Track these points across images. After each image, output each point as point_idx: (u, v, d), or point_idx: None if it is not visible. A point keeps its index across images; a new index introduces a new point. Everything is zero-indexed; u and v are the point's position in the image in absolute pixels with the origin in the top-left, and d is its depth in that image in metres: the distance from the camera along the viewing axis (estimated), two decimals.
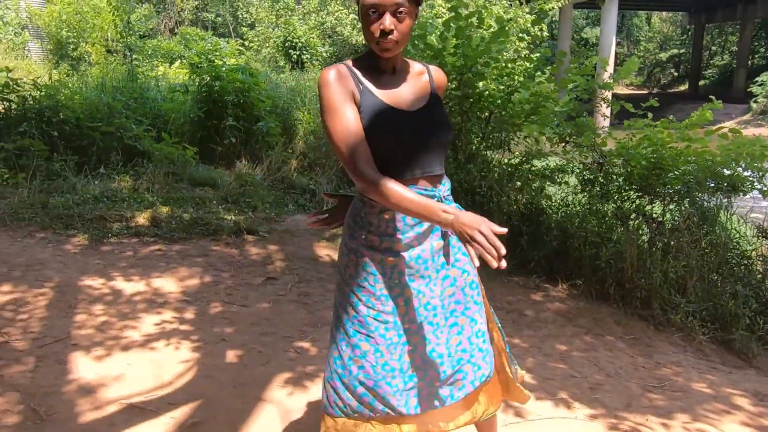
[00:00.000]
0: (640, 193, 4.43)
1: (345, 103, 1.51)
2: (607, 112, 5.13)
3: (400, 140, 1.54)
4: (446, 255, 1.66)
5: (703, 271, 3.97)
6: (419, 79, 1.65)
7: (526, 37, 8.00)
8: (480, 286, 1.75)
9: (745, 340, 3.71)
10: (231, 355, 2.92)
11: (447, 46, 4.61)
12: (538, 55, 5.37)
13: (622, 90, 29.91)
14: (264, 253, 4.44)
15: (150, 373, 2.69)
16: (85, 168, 5.68)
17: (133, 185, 5.54)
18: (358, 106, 1.53)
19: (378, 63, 1.58)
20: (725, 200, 4.51)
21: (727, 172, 4.32)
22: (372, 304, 1.59)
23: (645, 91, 30.16)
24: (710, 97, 4.65)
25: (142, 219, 4.77)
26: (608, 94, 4.99)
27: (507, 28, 4.68)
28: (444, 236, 1.65)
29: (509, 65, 4.85)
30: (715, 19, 26.84)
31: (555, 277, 4.30)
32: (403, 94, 1.60)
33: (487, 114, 4.93)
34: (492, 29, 4.75)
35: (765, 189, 4.24)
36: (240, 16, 22.93)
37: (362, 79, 1.56)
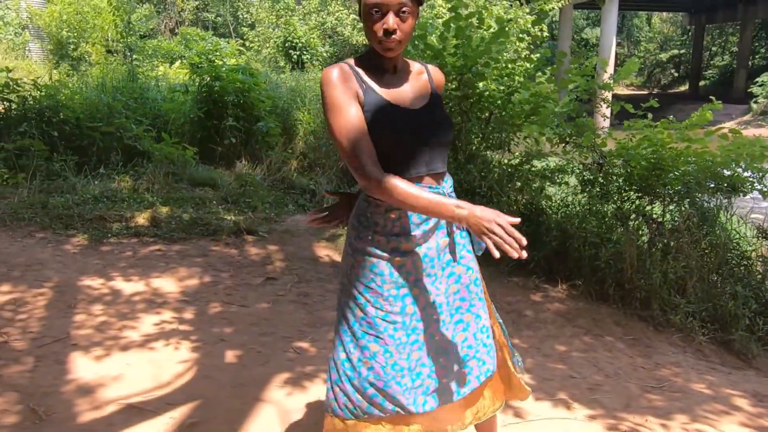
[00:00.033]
0: (639, 194, 4.43)
1: (349, 102, 1.51)
2: (607, 112, 5.13)
3: (405, 138, 1.55)
4: (452, 252, 1.67)
5: (702, 272, 3.97)
6: (419, 78, 1.66)
7: (526, 38, 8.00)
8: (482, 282, 1.76)
9: (745, 340, 3.71)
10: (230, 356, 2.92)
11: (447, 46, 4.61)
12: (538, 55, 5.37)
13: (622, 90, 29.90)
14: (263, 254, 4.44)
15: (149, 374, 2.69)
16: (85, 168, 5.68)
17: (133, 185, 5.54)
18: (362, 104, 1.53)
19: (380, 62, 1.58)
20: (725, 201, 4.50)
21: (727, 172, 4.32)
22: (380, 305, 1.59)
23: (645, 92, 30.15)
24: (710, 97, 4.65)
25: (141, 219, 4.77)
26: (608, 95, 4.98)
27: (507, 29, 4.68)
28: (449, 233, 1.66)
29: (509, 66, 4.85)
30: (715, 19, 26.84)
31: (554, 277, 4.30)
32: (406, 92, 1.61)
33: (487, 114, 4.93)
34: (492, 30, 4.75)
35: (765, 189, 4.24)
36: (240, 16, 22.95)
37: (365, 78, 1.56)
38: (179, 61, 13.23)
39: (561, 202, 4.72)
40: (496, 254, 1.39)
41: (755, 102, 20.70)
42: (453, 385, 1.67)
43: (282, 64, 16.13)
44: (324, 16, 17.51)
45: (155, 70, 11.44)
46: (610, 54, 17.78)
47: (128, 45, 14.62)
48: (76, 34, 13.40)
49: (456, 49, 4.54)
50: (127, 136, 6.17)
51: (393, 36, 1.48)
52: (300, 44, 16.66)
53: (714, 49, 31.94)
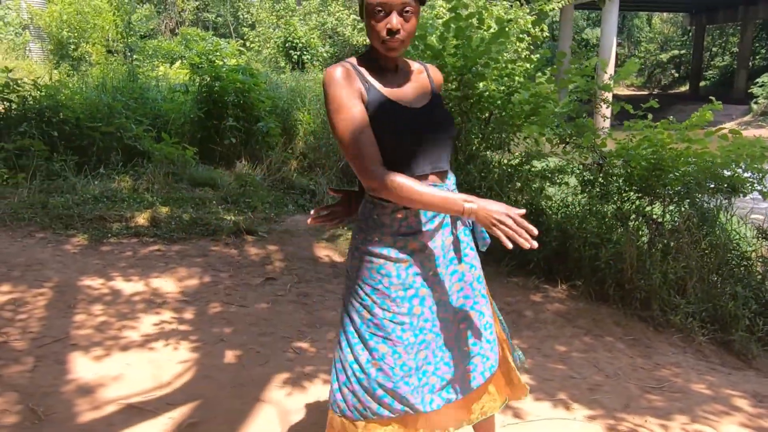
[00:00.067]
0: (639, 194, 4.43)
1: (353, 101, 1.50)
2: (607, 113, 5.13)
3: (410, 137, 1.55)
4: (456, 250, 1.68)
5: (702, 272, 3.97)
6: (420, 77, 1.67)
7: (527, 38, 7.99)
8: (484, 279, 1.77)
9: (745, 341, 3.70)
10: (229, 356, 2.92)
11: (447, 46, 4.61)
12: (538, 56, 5.37)
13: (622, 91, 29.91)
14: (263, 254, 4.44)
15: (149, 374, 2.69)
16: (85, 168, 5.68)
17: (132, 185, 5.54)
18: (366, 104, 1.53)
19: (381, 61, 1.58)
20: (725, 201, 4.50)
21: (727, 173, 4.32)
22: (387, 306, 1.59)
23: (646, 92, 30.14)
24: (710, 98, 4.64)
25: (141, 219, 4.77)
26: (608, 95, 4.98)
27: (507, 29, 4.67)
28: (452, 231, 1.67)
29: (509, 66, 4.85)
30: (716, 20, 26.83)
31: (554, 277, 4.30)
32: (408, 91, 1.61)
33: (487, 115, 4.92)
34: (492, 30, 4.75)
35: (765, 190, 4.24)
36: (241, 16, 22.97)
37: (368, 77, 1.56)
38: (179, 61, 13.23)
39: (561, 203, 4.72)
40: (509, 245, 1.43)
41: (755, 103, 20.69)
42: (459, 383, 1.68)
43: (282, 64, 16.14)
44: (324, 17, 17.53)
45: (155, 71, 11.45)
46: (611, 54, 17.78)
47: (128, 45, 14.62)
48: (76, 34, 13.40)
49: (456, 49, 4.54)
50: (127, 136, 6.17)
51: (396, 36, 1.49)
52: (300, 44, 16.68)
53: (714, 49, 31.93)
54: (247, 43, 18.11)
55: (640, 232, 4.28)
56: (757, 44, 27.68)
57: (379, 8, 1.47)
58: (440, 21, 5.06)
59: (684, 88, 30.50)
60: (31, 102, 6.14)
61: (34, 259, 3.91)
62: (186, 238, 4.59)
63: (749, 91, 21.43)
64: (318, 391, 2.64)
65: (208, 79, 6.95)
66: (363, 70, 1.57)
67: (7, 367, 2.65)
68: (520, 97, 4.64)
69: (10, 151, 5.52)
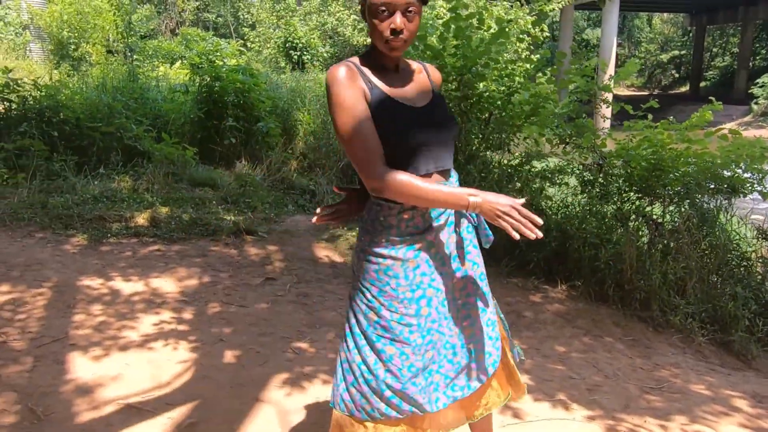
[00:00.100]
0: (639, 195, 4.43)
1: (357, 101, 1.50)
2: (608, 113, 5.13)
3: (413, 137, 1.55)
4: (460, 248, 1.68)
5: (702, 273, 3.97)
6: (420, 77, 1.68)
7: (527, 38, 7.99)
8: (486, 276, 1.78)
9: (745, 341, 3.70)
10: (229, 356, 2.92)
11: (447, 47, 4.61)
12: (538, 56, 5.37)
13: (623, 91, 29.92)
14: (263, 254, 4.44)
15: (148, 374, 2.69)
16: (85, 168, 5.68)
17: (132, 185, 5.54)
18: (369, 103, 1.53)
19: (383, 61, 1.58)
20: (725, 202, 4.50)
21: (727, 173, 4.32)
22: (395, 308, 1.59)
23: (646, 93, 30.14)
24: (711, 98, 4.64)
25: (141, 219, 4.77)
26: (608, 96, 4.98)
27: (507, 29, 4.67)
28: (456, 229, 1.67)
29: (509, 66, 4.85)
30: (716, 20, 26.83)
31: (554, 278, 4.29)
32: (410, 91, 1.62)
33: (486, 115, 4.92)
34: (492, 30, 4.75)
35: (765, 191, 4.23)
36: (241, 16, 22.98)
37: (371, 77, 1.56)
38: (180, 61, 13.24)
39: (561, 203, 4.72)
40: (516, 236, 1.47)
41: (756, 103, 20.69)
42: (463, 380, 1.69)
43: (282, 64, 16.15)
44: (324, 17, 17.54)
45: (156, 71, 11.46)
46: (611, 55, 17.79)
47: (129, 45, 14.62)
48: (76, 35, 13.40)
49: (456, 49, 4.54)
50: (127, 136, 6.17)
51: (400, 35, 1.49)
52: (300, 45, 16.68)
53: (715, 50, 31.93)
54: (248, 44, 18.12)
55: (640, 233, 4.28)
56: (757, 45, 27.68)
57: (383, 8, 1.47)
58: (440, 21, 5.06)
59: (684, 89, 30.51)
60: (32, 102, 6.14)
61: (34, 259, 3.92)
62: (186, 238, 4.59)
63: (749, 91, 21.44)
64: (317, 391, 2.64)
65: (208, 79, 6.95)
66: (366, 69, 1.57)
67: (6, 366, 2.65)
68: (520, 97, 4.64)
69: (10, 151, 5.52)
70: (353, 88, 1.50)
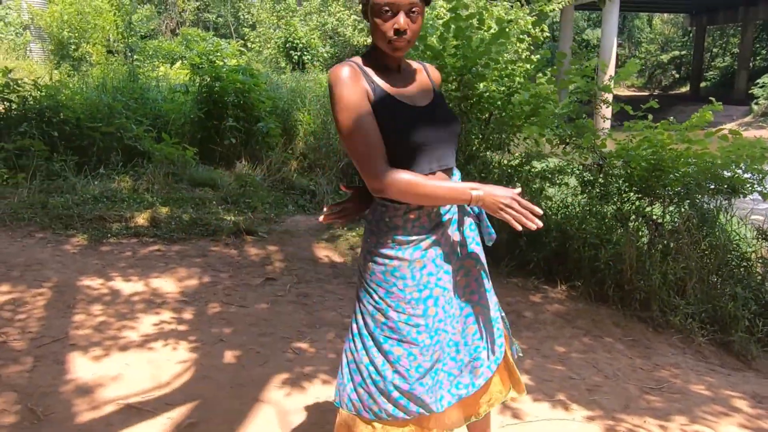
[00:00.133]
0: (639, 195, 4.43)
1: (360, 101, 1.50)
2: (608, 113, 5.13)
3: (416, 136, 1.55)
4: (462, 246, 1.69)
5: (702, 273, 3.96)
6: (421, 76, 1.68)
7: (527, 39, 8.00)
8: (488, 274, 1.78)
9: (744, 342, 3.70)
10: (229, 356, 2.92)
11: (447, 47, 4.61)
12: (538, 56, 5.37)
13: (623, 91, 29.92)
14: (263, 254, 4.44)
15: (148, 374, 2.69)
16: (85, 168, 5.68)
17: (132, 185, 5.54)
18: (372, 103, 1.53)
19: (385, 61, 1.59)
20: (725, 202, 4.50)
21: (727, 174, 4.32)
22: (402, 309, 1.59)
23: (646, 93, 30.15)
24: (711, 98, 4.64)
25: (141, 219, 4.77)
26: (608, 96, 4.98)
27: (507, 30, 4.67)
28: (459, 227, 1.68)
29: (509, 66, 4.85)
30: (716, 20, 26.84)
31: (554, 278, 4.29)
32: (412, 91, 1.62)
33: (487, 115, 4.93)
34: (492, 30, 4.75)
35: (765, 191, 4.23)
36: (241, 17, 23.00)
37: (373, 77, 1.56)
38: (180, 61, 13.24)
39: (561, 203, 4.72)
40: (519, 227, 1.51)
41: (756, 103, 20.69)
42: (468, 378, 1.70)
43: (283, 64, 16.16)
44: (325, 17, 17.55)
45: (156, 71, 11.46)
46: (611, 55, 17.79)
47: (129, 45, 14.63)
48: (77, 35, 13.41)
49: (456, 49, 4.54)
50: (128, 136, 6.18)
51: (403, 35, 1.49)
52: (301, 45, 16.69)
53: (715, 50, 31.93)
54: (248, 44, 18.13)
55: (640, 233, 4.28)
56: (757, 45, 27.68)
57: (387, 8, 1.47)
58: (440, 21, 5.06)
59: (684, 89, 30.51)
60: (32, 102, 6.14)
61: (34, 259, 3.92)
62: (186, 238, 4.59)
63: (750, 91, 21.44)
64: (317, 391, 2.64)
65: (209, 79, 6.95)
66: (368, 69, 1.57)
67: (6, 366, 2.65)
68: (520, 97, 4.64)
69: (10, 151, 5.52)
70: (356, 88, 1.50)
